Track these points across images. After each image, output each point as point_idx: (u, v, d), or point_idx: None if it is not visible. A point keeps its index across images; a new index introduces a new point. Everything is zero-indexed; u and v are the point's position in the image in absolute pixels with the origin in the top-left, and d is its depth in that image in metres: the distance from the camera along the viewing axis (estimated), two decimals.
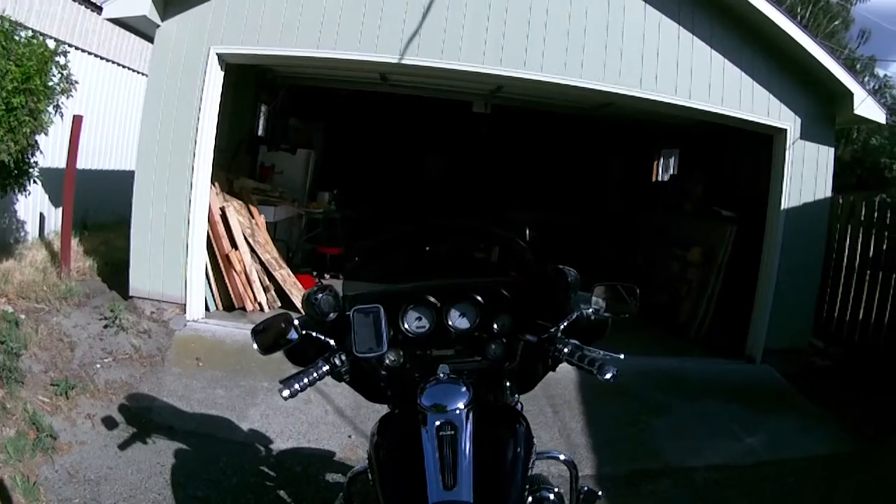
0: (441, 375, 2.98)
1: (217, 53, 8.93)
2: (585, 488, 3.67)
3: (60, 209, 10.45)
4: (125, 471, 5.73)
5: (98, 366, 7.49)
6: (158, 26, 8.84)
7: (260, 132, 14.51)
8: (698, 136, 14.15)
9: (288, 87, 14.86)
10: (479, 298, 3.42)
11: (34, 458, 5.63)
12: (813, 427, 8.28)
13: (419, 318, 3.41)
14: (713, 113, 9.61)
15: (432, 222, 4.15)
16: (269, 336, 3.04)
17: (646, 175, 18.17)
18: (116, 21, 9.08)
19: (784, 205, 9.87)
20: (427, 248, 3.98)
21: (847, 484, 6.84)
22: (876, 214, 10.99)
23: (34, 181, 8.69)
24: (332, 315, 3.21)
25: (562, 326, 3.09)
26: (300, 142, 15.86)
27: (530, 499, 3.02)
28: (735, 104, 9.54)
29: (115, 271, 9.98)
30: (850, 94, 9.50)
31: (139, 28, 9.18)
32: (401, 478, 2.82)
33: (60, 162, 9.83)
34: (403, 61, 8.93)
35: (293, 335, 3.00)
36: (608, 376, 2.72)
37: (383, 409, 3.40)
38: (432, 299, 3.41)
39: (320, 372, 2.98)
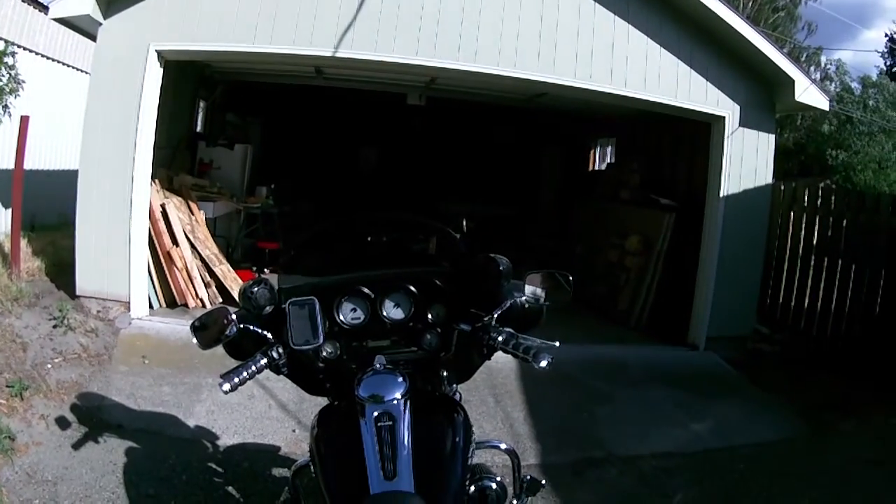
0: (377, 366, 3.07)
1: (156, 50, 8.98)
2: (528, 477, 3.69)
3: (9, 210, 10.44)
4: (80, 470, 5.82)
5: (49, 366, 7.55)
6: (101, 24, 8.86)
7: (199, 128, 14.75)
8: (636, 124, 14.28)
9: (226, 82, 14.93)
10: (413, 289, 3.49)
11: None
12: (760, 413, 8.43)
13: (354, 310, 3.47)
14: (649, 102, 9.81)
15: (365, 215, 4.23)
16: (209, 332, 3.08)
17: (582, 164, 18.23)
18: (62, 21, 9.07)
19: (724, 192, 10.08)
20: (368, 240, 4.04)
21: (796, 469, 6.97)
22: (819, 200, 11.20)
23: None
24: (268, 308, 3.23)
25: (495, 315, 3.14)
26: (238, 137, 15.86)
27: (472, 488, 3.08)
28: (672, 93, 9.74)
29: (61, 271, 10.01)
30: (792, 82, 9.71)
31: (83, 27, 9.16)
32: (342, 469, 2.87)
33: (8, 163, 9.80)
34: (338, 54, 9.05)
35: (232, 330, 3.02)
36: (543, 364, 2.79)
37: (326, 403, 3.46)
38: (366, 290, 3.47)
39: (258, 365, 3.03)
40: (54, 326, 8.26)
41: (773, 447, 7.43)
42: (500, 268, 3.36)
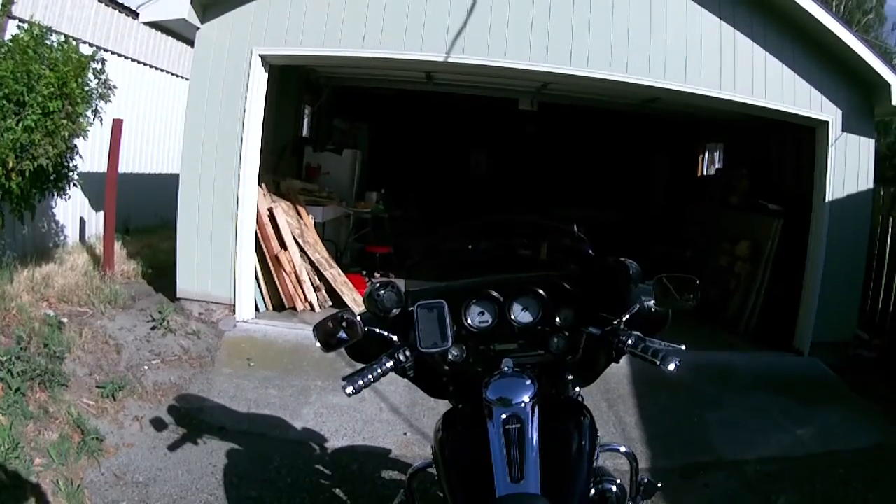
0: (505, 369, 2.98)
1: (260, 55, 8.80)
2: (645, 480, 3.68)
3: (101, 213, 10.54)
4: (175, 472, 5.67)
5: (146, 368, 7.38)
6: (198, 29, 8.70)
7: (305, 133, 14.63)
8: (743, 129, 14.04)
9: (332, 87, 14.86)
10: (542, 292, 3.36)
11: (79, 462, 5.56)
12: (860, 419, 8.20)
13: (482, 313, 3.36)
14: (757, 106, 9.44)
15: (497, 217, 4.14)
16: (333, 335, 3.01)
17: (691, 169, 18.07)
18: (154, 24, 9.02)
19: (828, 197, 9.68)
20: (469, 247, 3.98)
21: (892, 475, 6.81)
22: None
23: (74, 185, 8.63)
24: (394, 311, 3.15)
25: (624, 318, 3.05)
26: (346, 142, 15.89)
27: (593, 490, 3.02)
28: (778, 97, 9.37)
29: (159, 274, 9.93)
30: (888, 86, 9.28)
31: (178, 31, 9.12)
32: (467, 471, 2.82)
33: (100, 166, 9.78)
34: (449, 59, 8.77)
35: (359, 333, 2.97)
36: (671, 367, 2.73)
37: (439, 406, 3.47)
38: (495, 294, 3.35)
39: (384, 368, 2.98)
40: (152, 328, 8.09)
41: (870, 453, 7.28)
42: (630, 271, 3.27)
